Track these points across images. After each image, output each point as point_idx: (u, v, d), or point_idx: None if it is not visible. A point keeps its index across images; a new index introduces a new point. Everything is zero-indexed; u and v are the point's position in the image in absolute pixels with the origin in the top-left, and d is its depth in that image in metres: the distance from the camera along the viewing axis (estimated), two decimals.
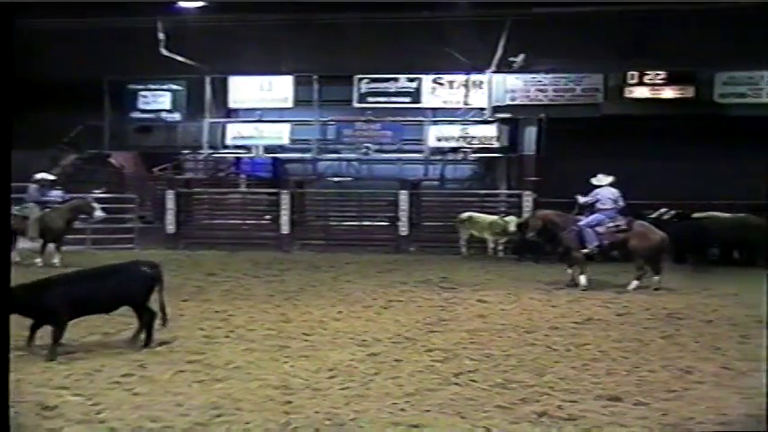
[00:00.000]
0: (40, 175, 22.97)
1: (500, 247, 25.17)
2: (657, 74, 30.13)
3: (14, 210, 21.19)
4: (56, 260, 21.66)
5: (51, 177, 23.35)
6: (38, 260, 21.60)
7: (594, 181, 19.27)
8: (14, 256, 20.29)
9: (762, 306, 15.15)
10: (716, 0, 28.28)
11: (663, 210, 24.51)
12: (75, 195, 23.61)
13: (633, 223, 19.00)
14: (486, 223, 25.28)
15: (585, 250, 18.83)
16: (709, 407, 8.46)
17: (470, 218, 25.53)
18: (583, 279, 18.44)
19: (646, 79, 30.21)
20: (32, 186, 22.34)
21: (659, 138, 28.86)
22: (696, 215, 24.24)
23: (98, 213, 22.92)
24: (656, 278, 18.16)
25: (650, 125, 29.08)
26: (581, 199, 19.32)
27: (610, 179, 19.25)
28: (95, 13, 29.35)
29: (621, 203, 19.08)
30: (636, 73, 30.23)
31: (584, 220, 19.11)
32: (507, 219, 24.97)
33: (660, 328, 13.04)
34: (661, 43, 29.72)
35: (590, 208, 19.17)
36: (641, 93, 30.26)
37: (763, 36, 27.24)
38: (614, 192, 19.07)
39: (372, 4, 29.25)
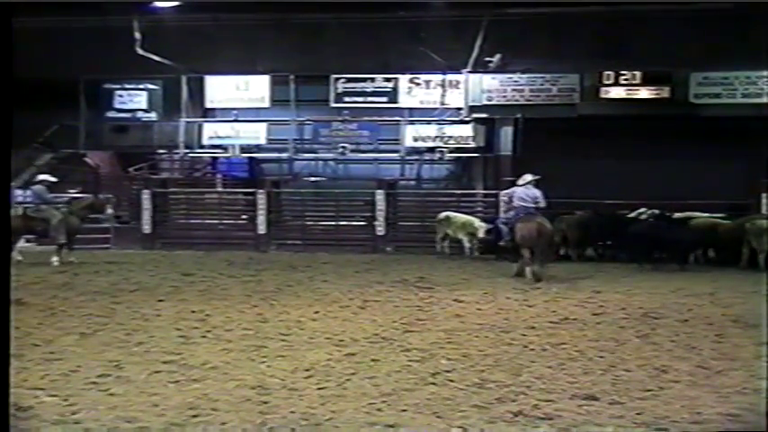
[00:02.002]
0: (42, 177, 23.19)
1: (475, 247, 25.18)
2: (633, 74, 30.23)
3: (28, 211, 21.98)
4: (73, 258, 21.97)
5: (53, 179, 23.58)
6: (54, 259, 21.86)
7: (519, 181, 20.41)
8: (16, 256, 20.66)
9: (737, 306, 15.33)
10: (691, 1, 28.44)
11: (641, 209, 24.60)
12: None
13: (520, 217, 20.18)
14: (460, 223, 25.31)
15: (501, 243, 21.05)
16: (685, 406, 8.49)
17: (447, 217, 25.56)
18: (514, 267, 20.12)
19: (621, 79, 30.29)
20: (39, 188, 22.61)
21: (635, 138, 28.98)
22: (677, 215, 24.38)
23: (110, 212, 23.18)
24: (538, 267, 19.40)
25: (626, 125, 29.17)
26: (502, 193, 21.79)
27: (529, 179, 20.16)
28: (71, 13, 29.24)
29: (541, 203, 19.99)
30: (612, 73, 30.31)
31: (500, 218, 21.29)
32: (477, 224, 25.02)
33: (636, 327, 13.07)
34: (637, 44, 29.85)
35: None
36: (617, 93, 30.35)
37: (738, 37, 27.54)
38: (533, 192, 20.03)
39: (349, 4, 29.25)
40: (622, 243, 24.17)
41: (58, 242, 22.26)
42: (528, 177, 20.27)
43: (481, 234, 24.44)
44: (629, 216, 24.61)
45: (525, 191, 20.15)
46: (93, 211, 23.53)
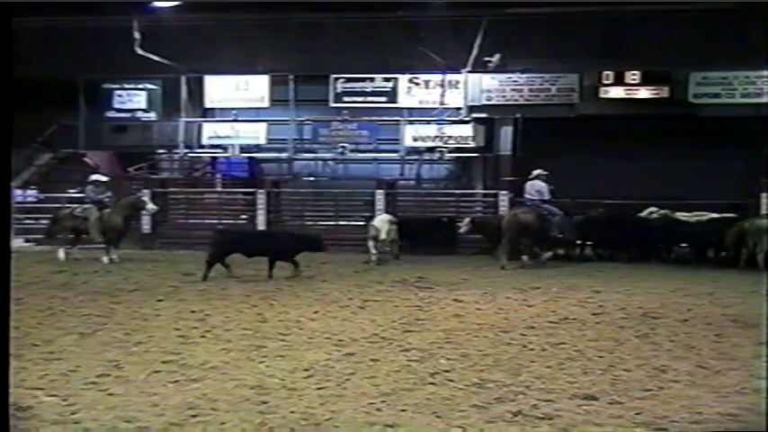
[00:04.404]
0: (94, 177, 23.98)
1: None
2: (632, 74, 30.23)
3: (76, 211, 22.94)
4: (114, 257, 22.41)
5: (104, 179, 24.20)
6: (105, 258, 22.32)
7: (530, 175, 22.96)
8: (76, 253, 22.71)
9: (736, 306, 15.34)
10: (690, 0, 28.42)
11: (652, 209, 24.58)
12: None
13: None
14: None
15: None
16: (684, 405, 8.49)
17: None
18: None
19: (621, 79, 30.29)
20: (89, 187, 23.34)
21: (634, 138, 28.97)
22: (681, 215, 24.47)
23: (150, 206, 23.88)
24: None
25: (625, 125, 29.18)
26: None
27: (536, 173, 22.83)
28: (71, 13, 29.23)
29: (545, 196, 22.58)
30: (611, 73, 30.32)
31: None
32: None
33: (635, 327, 13.07)
34: (636, 43, 29.85)
35: None
36: (616, 93, 30.35)
37: (737, 37, 27.55)
38: (538, 185, 22.64)
39: (348, 4, 29.26)
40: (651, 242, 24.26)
41: (95, 240, 22.88)
42: (535, 172, 22.72)
43: (382, 235, 23.36)
44: (641, 215, 24.62)
45: (532, 185, 22.60)
46: (136, 209, 24.06)
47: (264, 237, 20.15)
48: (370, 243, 23.46)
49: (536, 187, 22.74)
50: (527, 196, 22.91)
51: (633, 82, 30.22)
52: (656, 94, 30.10)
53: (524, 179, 23.17)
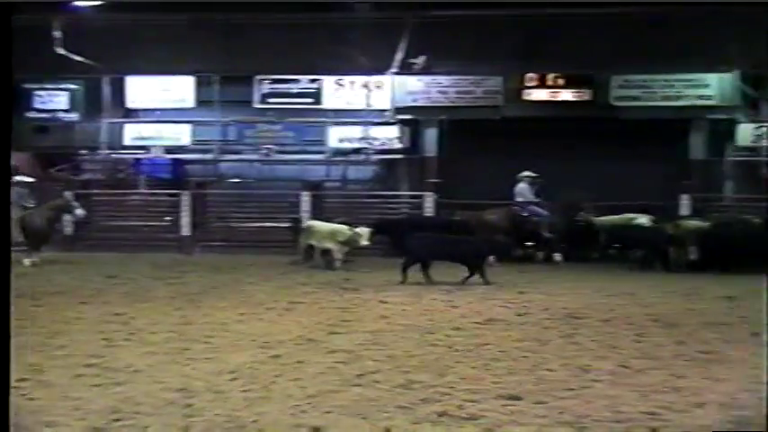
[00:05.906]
0: (18, 178, 23.52)
1: (340, 257, 22.54)
2: (556, 76, 30.46)
3: None
4: (36, 259, 22.22)
5: (29, 180, 23.98)
6: (26, 261, 22.03)
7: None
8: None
9: (657, 305, 15.60)
10: (614, 2, 28.71)
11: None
12: None
13: None
14: (326, 232, 23.06)
15: None
16: (606, 404, 8.61)
17: (310, 227, 23.81)
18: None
19: (544, 82, 30.51)
20: (13, 189, 22.63)
21: (559, 139, 29.19)
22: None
23: (79, 211, 23.74)
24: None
25: (550, 127, 29.39)
26: None
27: (522, 175, 25.09)
28: None
29: (529, 197, 24.73)
30: (534, 75, 30.52)
31: None
32: (358, 230, 22.54)
33: (559, 327, 13.22)
34: (559, 46, 30.11)
35: None
36: (540, 95, 30.55)
37: (657, 40, 27.98)
38: (522, 187, 24.84)
39: (273, 5, 29.13)
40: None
41: (15, 241, 22.34)
42: (521, 174, 25.16)
43: (364, 242, 22.47)
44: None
45: (518, 188, 24.94)
46: (62, 212, 23.97)
47: (458, 243, 20.09)
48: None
49: (518, 189, 24.87)
50: (516, 199, 24.80)
51: (556, 84, 30.45)
52: (579, 96, 30.35)
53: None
